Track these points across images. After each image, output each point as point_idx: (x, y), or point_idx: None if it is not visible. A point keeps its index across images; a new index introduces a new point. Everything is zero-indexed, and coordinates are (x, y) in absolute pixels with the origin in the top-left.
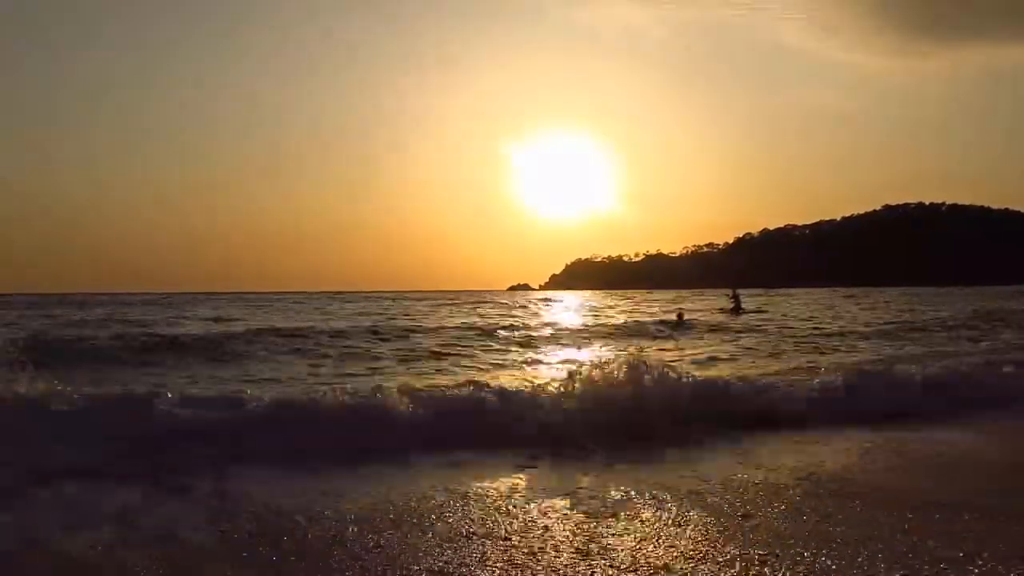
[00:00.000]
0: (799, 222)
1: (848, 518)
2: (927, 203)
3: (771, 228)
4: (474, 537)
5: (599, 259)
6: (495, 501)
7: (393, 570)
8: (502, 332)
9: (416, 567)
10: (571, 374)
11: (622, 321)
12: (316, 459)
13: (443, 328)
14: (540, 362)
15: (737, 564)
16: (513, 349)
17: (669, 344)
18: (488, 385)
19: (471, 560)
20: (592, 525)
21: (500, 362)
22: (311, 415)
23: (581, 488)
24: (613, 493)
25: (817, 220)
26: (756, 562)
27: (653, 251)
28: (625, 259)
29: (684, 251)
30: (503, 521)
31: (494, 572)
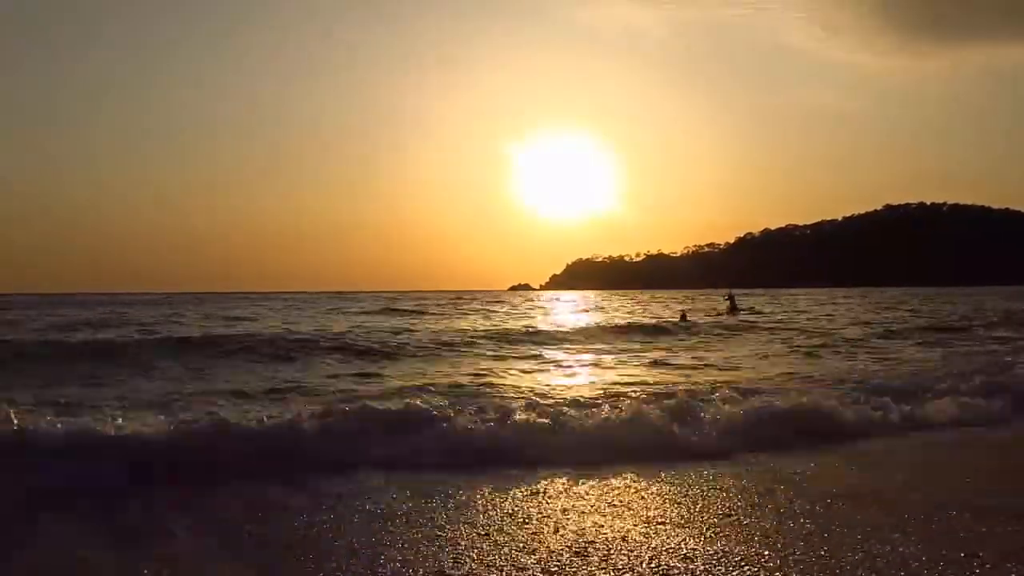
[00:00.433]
0: (800, 222)
1: (849, 519)
2: (928, 203)
3: (772, 228)
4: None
5: (600, 259)
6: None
7: None
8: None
9: None
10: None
11: (627, 322)
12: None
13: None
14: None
15: (739, 563)
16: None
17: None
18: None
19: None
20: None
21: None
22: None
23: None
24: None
25: (818, 220)
26: (767, 561)
27: (654, 251)
28: (626, 259)
29: (685, 251)
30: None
31: None
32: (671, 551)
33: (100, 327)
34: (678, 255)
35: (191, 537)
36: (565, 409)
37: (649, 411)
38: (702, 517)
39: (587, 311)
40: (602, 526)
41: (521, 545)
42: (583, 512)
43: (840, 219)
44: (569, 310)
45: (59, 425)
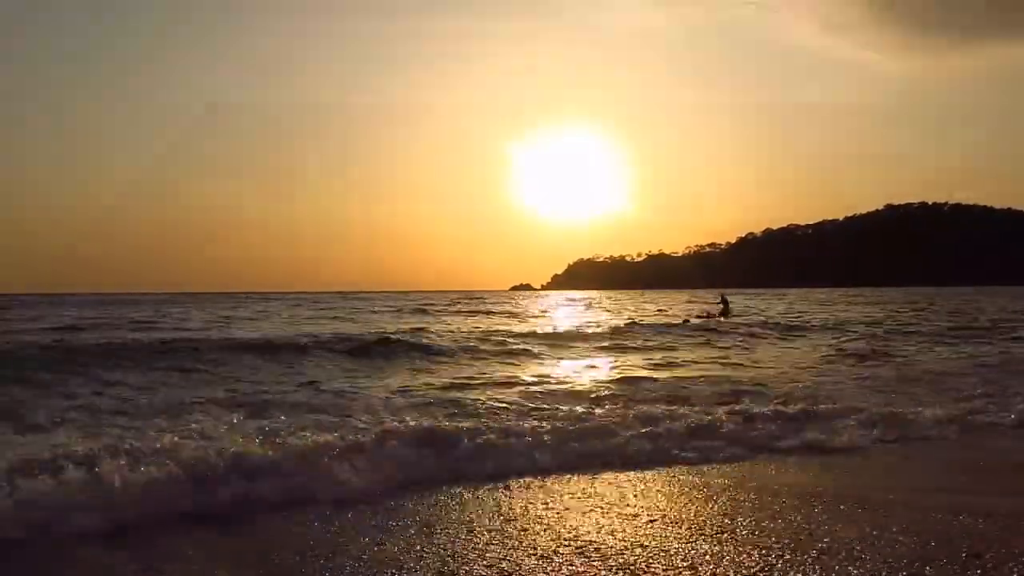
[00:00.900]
0: (802, 222)
1: (849, 520)
2: (930, 203)
3: (774, 228)
4: None
5: (601, 259)
6: None
7: None
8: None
9: None
10: None
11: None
12: None
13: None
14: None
15: (742, 565)
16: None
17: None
18: None
19: None
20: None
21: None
22: None
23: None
24: None
25: (820, 220)
26: (766, 564)
27: (655, 251)
28: (627, 259)
29: (687, 251)
30: None
31: None
32: (671, 552)
33: (153, 327)
34: (679, 255)
35: None
36: None
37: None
38: (703, 517)
39: (610, 310)
40: (602, 526)
41: (517, 544)
42: (584, 512)
43: (842, 219)
44: (603, 310)
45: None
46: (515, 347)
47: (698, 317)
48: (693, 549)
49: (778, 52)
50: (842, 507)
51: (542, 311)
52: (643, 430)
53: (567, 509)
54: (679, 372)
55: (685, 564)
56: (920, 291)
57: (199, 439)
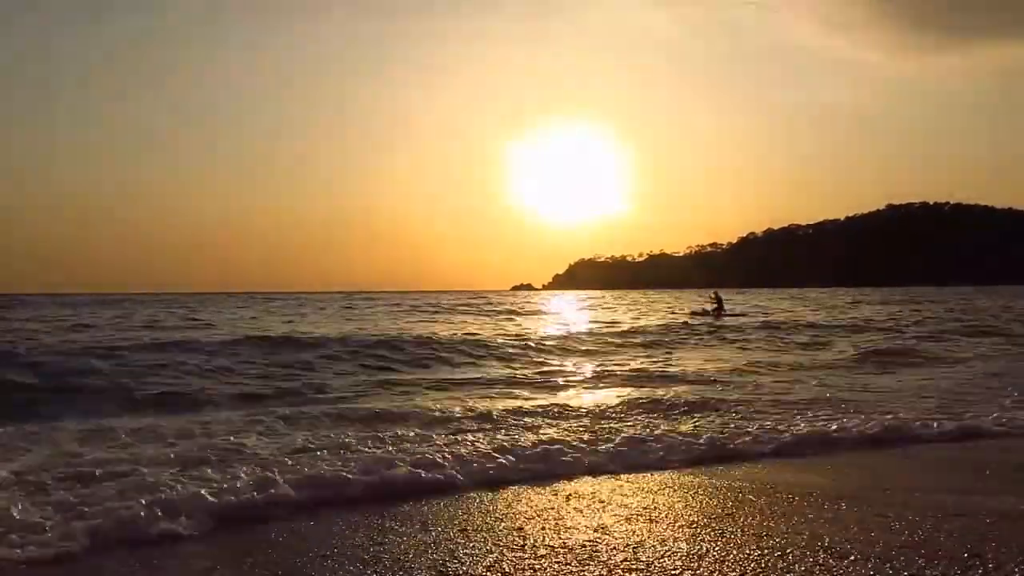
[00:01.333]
0: (803, 222)
1: (850, 520)
2: (931, 203)
3: (775, 228)
4: None
5: (602, 259)
6: None
7: None
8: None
9: None
10: None
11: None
12: None
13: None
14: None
15: (746, 562)
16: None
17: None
18: None
19: None
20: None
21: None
22: None
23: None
24: None
25: (821, 220)
26: (768, 562)
27: (656, 251)
28: (628, 259)
29: (687, 251)
30: None
31: None
32: (672, 552)
33: (194, 329)
34: (680, 255)
35: None
36: None
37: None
38: (704, 518)
39: (633, 310)
40: (605, 527)
41: (518, 545)
42: (586, 513)
43: (843, 219)
44: (626, 309)
45: None
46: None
47: (693, 314)
48: (693, 549)
49: (779, 52)
50: (843, 507)
51: (562, 312)
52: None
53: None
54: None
55: (685, 564)
56: (921, 291)
57: None
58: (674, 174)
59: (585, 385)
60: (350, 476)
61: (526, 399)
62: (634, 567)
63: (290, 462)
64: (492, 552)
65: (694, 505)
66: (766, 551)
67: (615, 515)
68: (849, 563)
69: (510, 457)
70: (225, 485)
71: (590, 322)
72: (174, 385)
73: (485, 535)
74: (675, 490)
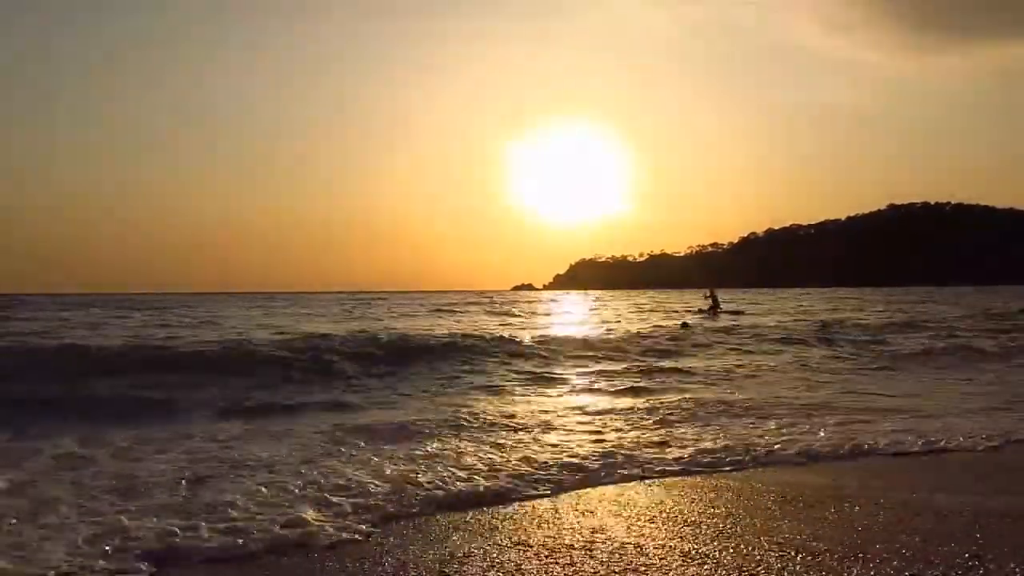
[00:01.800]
0: (804, 222)
1: (850, 522)
2: (932, 203)
3: (776, 228)
4: None
5: (603, 259)
6: None
7: None
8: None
9: None
10: None
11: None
12: None
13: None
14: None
15: (762, 562)
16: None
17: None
18: None
19: None
20: None
21: None
22: None
23: None
24: None
25: (822, 220)
26: (777, 562)
27: (657, 251)
28: (629, 259)
29: (688, 251)
30: None
31: None
32: (673, 552)
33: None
34: (681, 255)
35: None
36: None
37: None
38: (705, 518)
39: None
40: (605, 527)
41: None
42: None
43: (844, 219)
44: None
45: None
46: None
47: (688, 313)
48: (693, 549)
49: (779, 52)
50: (844, 508)
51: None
52: None
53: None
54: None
55: (685, 563)
56: (922, 290)
57: None
58: (675, 174)
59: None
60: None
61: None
62: (643, 567)
63: None
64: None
65: (699, 506)
66: (766, 551)
67: (628, 519)
68: (850, 563)
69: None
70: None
71: (619, 321)
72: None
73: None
74: (686, 496)
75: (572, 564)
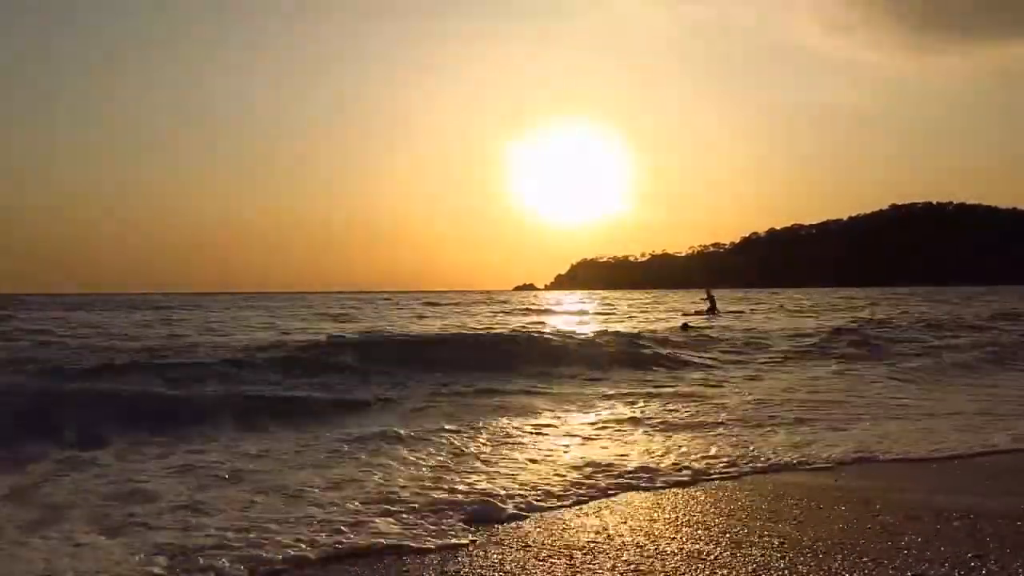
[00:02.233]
0: (806, 222)
1: (852, 522)
2: (934, 203)
3: (777, 228)
4: None
5: (604, 259)
6: None
7: None
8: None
9: None
10: None
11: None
12: None
13: None
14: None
15: (767, 566)
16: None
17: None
18: None
19: None
20: None
21: None
22: None
23: None
24: None
25: (824, 220)
26: (780, 563)
27: (659, 251)
28: (631, 259)
29: (690, 251)
30: None
31: None
32: (684, 554)
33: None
34: (683, 255)
35: None
36: None
37: None
38: (706, 519)
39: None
40: (606, 528)
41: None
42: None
43: (846, 219)
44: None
45: None
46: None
47: (684, 316)
48: (695, 549)
49: (780, 51)
50: (845, 509)
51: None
52: None
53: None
54: None
55: (687, 564)
56: (925, 290)
57: None
58: (675, 174)
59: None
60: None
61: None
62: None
63: None
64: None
65: (700, 508)
66: (769, 552)
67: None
68: (850, 563)
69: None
70: None
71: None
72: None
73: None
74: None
75: (573, 566)
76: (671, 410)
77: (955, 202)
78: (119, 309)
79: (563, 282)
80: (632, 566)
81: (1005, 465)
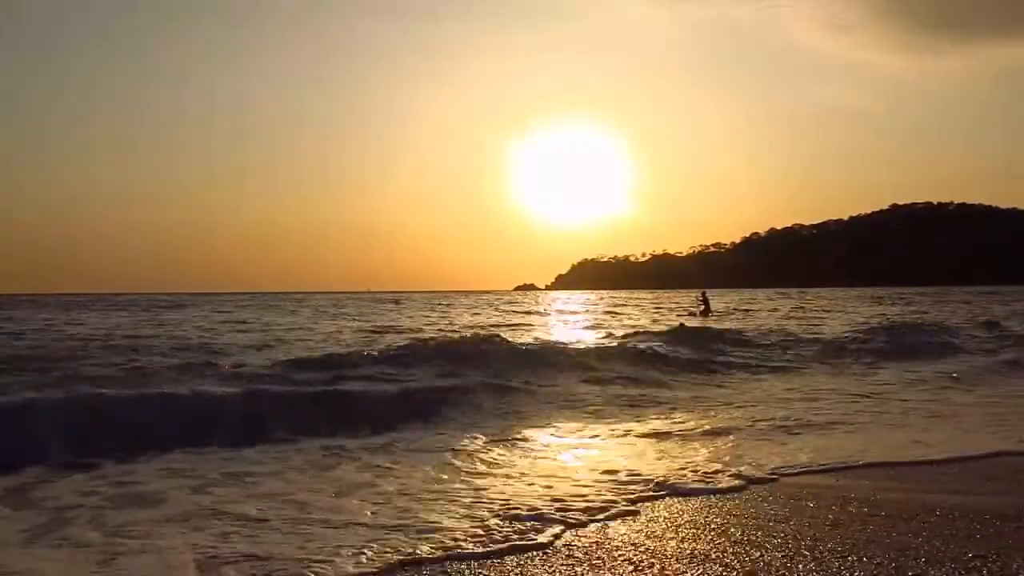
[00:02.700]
0: (806, 222)
1: (853, 522)
2: (935, 203)
3: (778, 228)
4: None
5: (605, 259)
6: None
7: None
8: None
9: None
10: None
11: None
12: None
13: None
14: None
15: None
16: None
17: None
18: None
19: None
20: None
21: None
22: None
23: None
24: None
25: (824, 220)
26: (781, 563)
27: (659, 251)
28: (632, 259)
29: (691, 251)
30: None
31: None
32: (687, 555)
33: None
34: (684, 255)
35: None
36: None
37: None
38: (706, 520)
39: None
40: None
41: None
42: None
43: (847, 219)
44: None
45: None
46: None
47: (679, 316)
48: (696, 550)
49: (780, 52)
50: (846, 509)
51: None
52: None
53: None
54: None
55: (688, 564)
56: (934, 290)
57: None
58: (676, 174)
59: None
60: None
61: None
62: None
63: None
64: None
65: (701, 510)
66: (767, 551)
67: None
68: (851, 563)
69: None
70: None
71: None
72: None
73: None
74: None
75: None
76: (688, 416)
77: (956, 202)
78: (132, 308)
79: (564, 282)
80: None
81: (1005, 465)
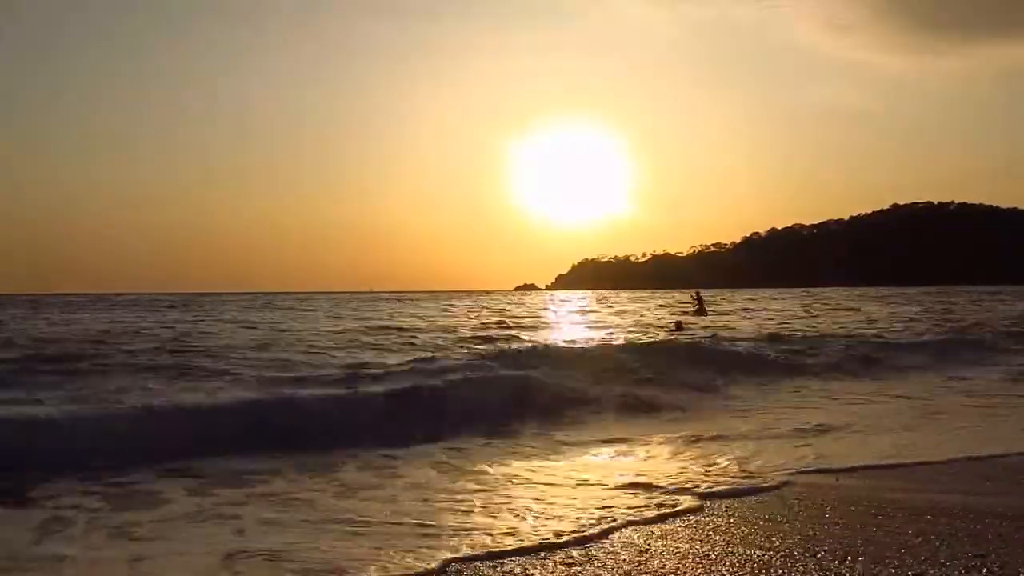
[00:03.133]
0: (807, 222)
1: (854, 522)
2: (935, 202)
3: (779, 228)
4: None
5: (606, 259)
6: None
7: None
8: None
9: None
10: None
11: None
12: None
13: None
14: None
15: (770, 565)
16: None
17: None
18: None
19: None
20: None
21: None
22: None
23: None
24: None
25: (825, 220)
26: (787, 563)
27: (660, 251)
28: (632, 259)
29: (691, 251)
30: None
31: None
32: (688, 556)
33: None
34: (684, 255)
35: None
36: None
37: None
38: (706, 520)
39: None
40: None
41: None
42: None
43: (847, 219)
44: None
45: None
46: None
47: (672, 316)
48: (697, 550)
49: (780, 52)
50: (852, 509)
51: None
52: None
53: None
54: None
55: (689, 565)
56: (927, 290)
57: None
58: (676, 174)
59: None
60: None
61: None
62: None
63: None
64: None
65: (700, 512)
66: (770, 553)
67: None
68: (852, 563)
69: None
70: None
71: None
72: None
73: None
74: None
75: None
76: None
77: (956, 202)
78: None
79: (564, 282)
80: None
81: (1005, 465)
